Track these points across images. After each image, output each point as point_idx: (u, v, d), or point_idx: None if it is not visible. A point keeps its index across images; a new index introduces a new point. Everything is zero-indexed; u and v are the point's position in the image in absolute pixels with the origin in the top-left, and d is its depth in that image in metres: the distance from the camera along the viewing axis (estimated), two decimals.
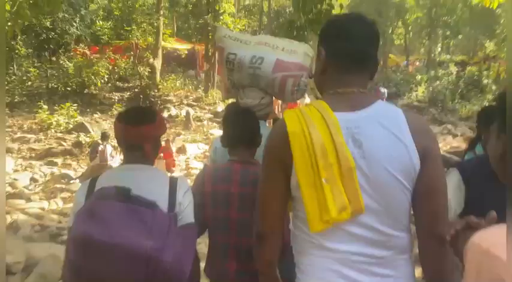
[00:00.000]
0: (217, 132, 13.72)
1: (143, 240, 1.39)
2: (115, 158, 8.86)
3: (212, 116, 15.12)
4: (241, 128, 1.90)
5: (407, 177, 1.18)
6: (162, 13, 16.49)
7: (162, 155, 9.71)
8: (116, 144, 9.64)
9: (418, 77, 24.40)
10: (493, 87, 25.32)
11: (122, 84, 16.50)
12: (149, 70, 16.25)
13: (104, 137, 9.14)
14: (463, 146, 13.44)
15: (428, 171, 1.18)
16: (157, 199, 1.53)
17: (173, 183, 1.65)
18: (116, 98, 15.10)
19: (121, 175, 1.67)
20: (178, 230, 1.54)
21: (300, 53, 2.30)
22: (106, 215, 1.42)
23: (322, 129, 1.17)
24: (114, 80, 16.39)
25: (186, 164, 10.69)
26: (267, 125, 2.39)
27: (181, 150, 11.90)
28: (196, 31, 18.75)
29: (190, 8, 18.85)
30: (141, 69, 16.14)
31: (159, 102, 15.54)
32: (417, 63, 31.63)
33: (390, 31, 28.74)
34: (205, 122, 14.38)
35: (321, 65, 1.33)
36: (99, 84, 14.63)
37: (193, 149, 12.15)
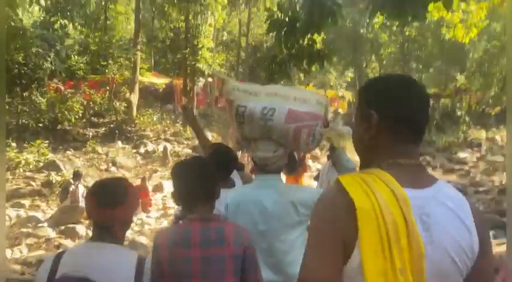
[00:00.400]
0: None
1: None
2: None
3: (190, 150, 14.76)
4: (199, 183, 1.75)
5: (465, 267, 1.08)
6: (139, 48, 16.33)
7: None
8: (89, 185, 9.14)
9: None
10: (467, 119, 26.03)
11: (97, 120, 16.05)
12: (125, 105, 15.90)
13: (76, 176, 8.64)
14: (444, 177, 13.56)
15: (485, 266, 1.10)
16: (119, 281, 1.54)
17: (140, 265, 1.60)
18: (91, 133, 14.61)
19: (87, 257, 1.61)
20: None
21: (312, 102, 2.20)
22: None
23: (393, 207, 1.01)
24: (89, 116, 15.93)
25: (162, 203, 10.23)
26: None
27: (158, 188, 11.44)
28: (174, 65, 18.66)
29: (168, 43, 18.80)
30: (117, 104, 15.78)
31: (135, 137, 15.11)
32: None
33: (365, 65, 29.44)
34: (183, 157, 13.99)
35: (372, 130, 1.16)
36: (73, 119, 14.13)
37: (170, 187, 11.66)
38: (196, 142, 15.58)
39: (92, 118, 15.96)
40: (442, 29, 22.06)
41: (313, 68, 5.98)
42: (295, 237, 2.11)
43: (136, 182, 10.93)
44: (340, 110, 26.86)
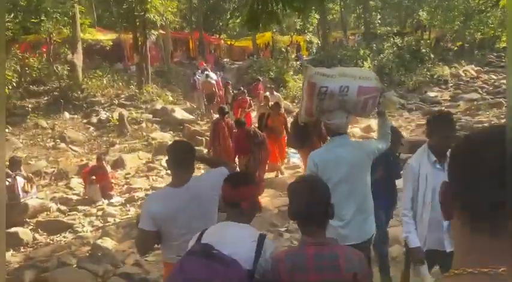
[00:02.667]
0: (160, 135, 11.79)
1: None
2: (30, 193, 6.78)
3: (151, 116, 13.08)
4: (316, 206, 1.84)
5: None
6: (77, 0, 13.91)
7: (93, 178, 7.71)
8: (30, 174, 7.50)
9: (361, 51, 23.68)
10: (432, 56, 25.38)
11: (36, 88, 13.86)
12: (68, 68, 13.74)
13: (14, 164, 6.99)
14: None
15: None
16: (241, 255, 1.78)
17: (261, 242, 1.89)
18: (30, 105, 12.56)
19: (218, 231, 1.98)
20: None
21: (373, 79, 3.17)
22: (188, 269, 1.74)
23: None
24: (26, 84, 13.71)
25: (126, 184, 8.76)
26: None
27: (118, 163, 9.91)
28: (121, 18, 16.30)
29: None
30: (59, 67, 13.58)
31: (84, 105, 13.18)
32: (351, 37, 31.12)
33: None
34: (143, 124, 12.35)
35: None
36: (6, 90, 11.96)
37: (133, 161, 10.19)
38: (157, 105, 13.88)
39: (30, 86, 13.76)
40: None
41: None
42: (368, 182, 2.99)
43: (92, 161, 9.38)
44: (304, 56, 25.51)
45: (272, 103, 8.93)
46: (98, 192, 7.60)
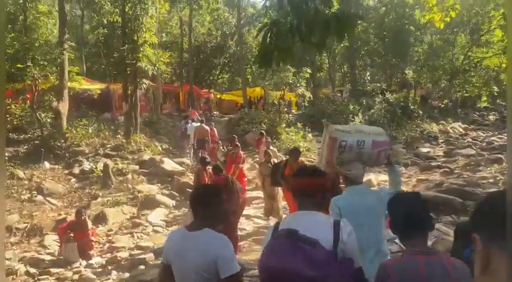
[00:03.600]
0: (147, 187, 10.97)
1: (305, 269, 1.78)
2: None
3: (138, 167, 12.32)
4: (420, 217, 1.96)
5: None
6: (66, 47, 13.58)
7: (71, 235, 6.80)
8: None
9: (351, 106, 23.74)
10: (420, 112, 25.64)
11: (16, 136, 13.10)
12: (52, 116, 13.09)
13: None
14: (431, 177, 12.29)
15: None
16: (321, 238, 1.86)
17: (336, 226, 1.96)
18: (8, 154, 11.71)
19: (294, 220, 2.09)
20: (338, 263, 1.85)
21: (383, 134, 3.69)
22: (278, 250, 1.87)
23: None
24: (7, 132, 12.93)
25: (108, 242, 7.81)
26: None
27: (100, 218, 9.00)
28: (111, 68, 16.01)
29: (101, 42, 16.11)
30: (42, 115, 12.93)
31: (67, 155, 12.39)
32: (338, 94, 31.57)
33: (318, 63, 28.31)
34: (129, 176, 11.55)
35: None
36: None
37: (116, 216, 9.29)
38: (144, 156, 13.18)
39: (10, 135, 12.98)
40: (416, 13, 21.30)
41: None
42: (382, 227, 3.27)
43: (71, 215, 8.45)
44: (293, 110, 25.48)
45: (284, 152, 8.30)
46: (75, 252, 6.65)
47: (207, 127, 13.21)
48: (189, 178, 11.84)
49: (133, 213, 9.66)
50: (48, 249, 7.49)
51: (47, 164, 11.48)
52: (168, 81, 31.40)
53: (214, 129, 12.58)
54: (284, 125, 16.89)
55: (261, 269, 1.95)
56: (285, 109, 19.68)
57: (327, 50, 26.42)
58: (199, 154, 12.77)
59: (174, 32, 33.21)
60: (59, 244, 7.28)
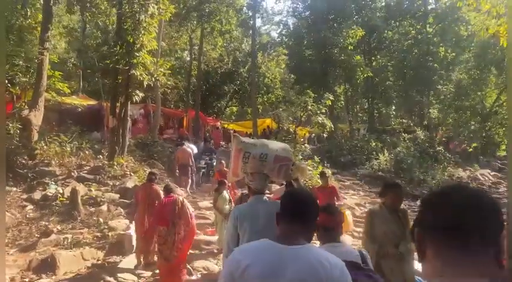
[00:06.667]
0: (123, 224, 8.29)
1: None
2: None
3: (117, 196, 9.68)
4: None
5: None
6: (47, 46, 11.31)
7: None
8: None
9: (372, 143, 21.20)
10: (449, 155, 23.11)
11: None
12: (20, 126, 10.64)
13: None
14: None
15: None
16: None
17: (362, 254, 2.56)
18: None
19: (333, 250, 2.09)
20: None
21: (287, 150, 3.96)
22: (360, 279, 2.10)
23: None
24: None
25: None
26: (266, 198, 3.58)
27: (47, 265, 6.30)
28: (102, 75, 13.71)
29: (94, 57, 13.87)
30: (11, 125, 10.51)
31: (30, 175, 9.81)
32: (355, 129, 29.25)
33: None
34: (103, 207, 8.89)
35: None
36: None
37: (72, 262, 6.59)
38: (128, 183, 10.63)
39: None
40: (441, 50, 19.09)
41: None
42: None
43: (13, 256, 5.80)
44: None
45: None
46: None
47: (189, 149, 11.29)
48: None
49: (97, 260, 6.97)
50: None
51: None
52: (173, 104, 29.28)
53: (223, 163, 9.99)
54: (300, 157, 14.30)
55: None
56: (302, 139, 17.15)
57: (347, 80, 24.26)
58: (183, 182, 11.37)
59: (182, 55, 31.46)
60: None
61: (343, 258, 1.96)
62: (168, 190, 6.10)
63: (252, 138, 17.45)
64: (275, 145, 3.95)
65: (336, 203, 7.29)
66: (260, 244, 1.94)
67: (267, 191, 6.99)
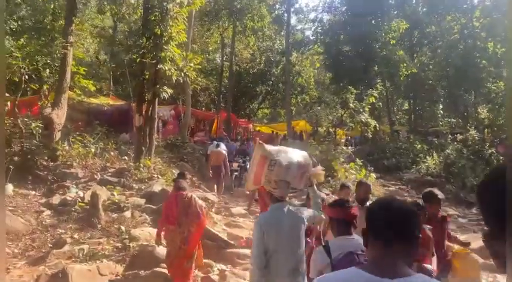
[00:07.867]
0: (147, 234, 7.30)
1: None
2: None
3: (143, 201, 8.75)
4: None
5: None
6: (71, 39, 10.61)
7: None
8: None
9: (418, 145, 19.57)
10: (501, 158, 21.04)
11: None
12: (41, 125, 9.94)
13: None
14: None
15: None
16: None
17: None
18: None
19: (344, 244, 2.61)
20: None
21: (307, 158, 4.21)
22: None
23: None
24: None
25: None
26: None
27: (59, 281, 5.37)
28: (129, 70, 12.94)
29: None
30: (33, 125, 9.83)
31: (50, 178, 9.05)
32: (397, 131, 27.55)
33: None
34: (127, 213, 7.96)
35: None
36: None
37: (85, 278, 5.64)
38: (155, 186, 9.73)
39: None
40: (489, 45, 17.21)
41: None
42: (302, 245, 3.60)
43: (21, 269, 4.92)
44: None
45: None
46: None
47: (224, 151, 10.61)
48: (212, 222, 8.14)
49: (116, 275, 6.00)
50: None
51: (10, 188, 8.11)
52: (204, 106, 28.59)
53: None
54: (342, 160, 12.99)
55: None
56: (342, 140, 15.84)
57: (389, 77, 22.70)
58: (214, 185, 10.64)
59: (214, 57, 30.74)
60: None
61: (355, 249, 2.35)
62: (178, 188, 5.66)
63: (286, 140, 16.22)
64: (297, 153, 4.20)
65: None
66: (347, 275, 1.54)
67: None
